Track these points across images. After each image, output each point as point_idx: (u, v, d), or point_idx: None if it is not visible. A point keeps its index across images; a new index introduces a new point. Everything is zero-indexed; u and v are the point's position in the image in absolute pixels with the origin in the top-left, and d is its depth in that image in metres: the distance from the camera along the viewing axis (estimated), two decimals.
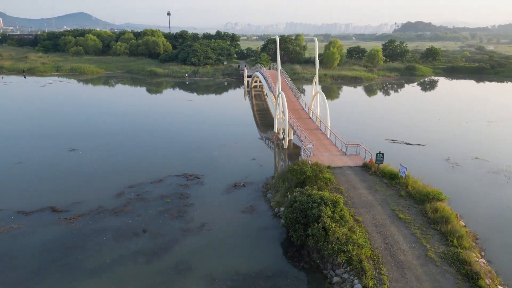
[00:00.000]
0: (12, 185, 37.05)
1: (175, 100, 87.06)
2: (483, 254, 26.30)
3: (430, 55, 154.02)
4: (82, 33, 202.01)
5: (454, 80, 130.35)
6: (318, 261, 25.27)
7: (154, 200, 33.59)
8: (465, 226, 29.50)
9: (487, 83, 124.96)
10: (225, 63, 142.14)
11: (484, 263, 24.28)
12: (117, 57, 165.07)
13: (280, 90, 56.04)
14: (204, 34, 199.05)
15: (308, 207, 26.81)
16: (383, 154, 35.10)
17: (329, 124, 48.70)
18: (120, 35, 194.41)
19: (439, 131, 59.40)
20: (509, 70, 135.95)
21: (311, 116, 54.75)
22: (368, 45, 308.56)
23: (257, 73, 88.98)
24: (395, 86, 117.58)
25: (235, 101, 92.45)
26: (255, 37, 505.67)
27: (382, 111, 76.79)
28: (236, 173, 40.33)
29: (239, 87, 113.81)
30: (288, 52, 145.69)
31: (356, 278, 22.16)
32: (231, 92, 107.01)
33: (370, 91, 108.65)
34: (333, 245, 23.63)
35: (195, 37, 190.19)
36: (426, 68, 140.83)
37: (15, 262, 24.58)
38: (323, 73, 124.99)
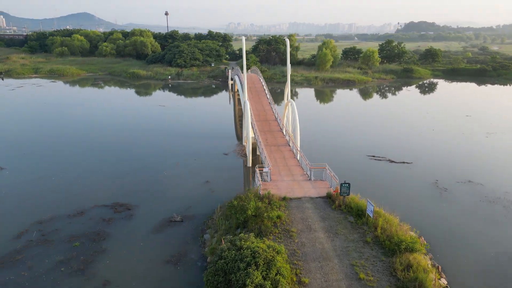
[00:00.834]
0: None
1: (146, 106, 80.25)
2: None
3: (430, 56, 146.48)
4: (70, 33, 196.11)
5: (454, 83, 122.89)
6: None
7: (60, 243, 26.85)
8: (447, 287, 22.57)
9: (489, 86, 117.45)
10: (213, 65, 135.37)
11: None
12: (103, 58, 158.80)
13: (246, 97, 49.19)
14: (196, 34, 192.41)
15: (233, 268, 19.96)
16: (348, 184, 28.15)
17: (298, 140, 41.80)
18: (108, 35, 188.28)
19: (429, 145, 52.28)
20: None
21: (282, 129, 47.84)
22: (367, 46, 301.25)
23: (236, 77, 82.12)
24: (390, 89, 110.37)
25: (217, 106, 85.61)
26: (255, 37, 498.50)
27: (369, 119, 69.72)
28: (178, 202, 33.55)
29: (226, 90, 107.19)
30: (279, 53, 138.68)
31: None
32: (214, 96, 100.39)
33: (361, 95, 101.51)
34: None
35: (186, 37, 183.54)
36: (425, 70, 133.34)
37: None
38: (314, 75, 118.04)
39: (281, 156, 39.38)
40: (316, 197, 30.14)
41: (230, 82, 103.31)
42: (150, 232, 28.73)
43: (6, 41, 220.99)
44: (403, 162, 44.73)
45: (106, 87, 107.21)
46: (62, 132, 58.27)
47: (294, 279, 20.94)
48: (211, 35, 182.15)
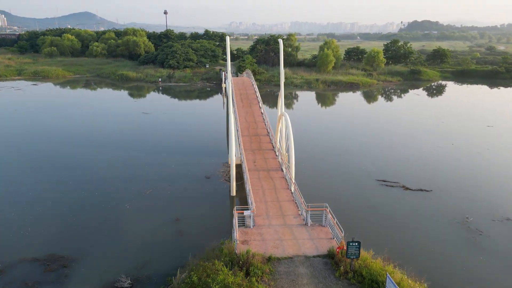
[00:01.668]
0: None
1: (128, 113, 72.16)
2: None
3: (438, 56, 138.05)
4: (62, 33, 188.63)
5: (465, 86, 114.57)
6: None
7: None
8: None
9: (502, 89, 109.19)
10: (207, 66, 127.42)
11: None
12: (93, 58, 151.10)
13: (231, 106, 41.21)
14: (192, 34, 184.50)
15: None
16: (358, 243, 20.20)
17: (293, 164, 33.81)
18: (101, 35, 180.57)
19: (450, 166, 44.17)
20: None
21: (274, 147, 39.86)
22: (371, 45, 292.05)
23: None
24: (397, 93, 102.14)
25: (209, 112, 77.42)
26: (256, 37, 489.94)
27: (376, 129, 61.61)
28: (132, 254, 25.70)
29: (220, 93, 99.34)
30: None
31: None
32: (207, 100, 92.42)
33: (366, 100, 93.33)
34: None
35: (181, 36, 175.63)
36: (433, 72, 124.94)
37: None
38: (315, 77, 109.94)
39: (271, 186, 31.45)
40: (314, 256, 22.14)
41: (223, 85, 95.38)
42: None
43: None
44: (421, 190, 36.72)
45: (89, 91, 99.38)
46: (8, 148, 50.39)
47: None
48: (207, 35, 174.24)
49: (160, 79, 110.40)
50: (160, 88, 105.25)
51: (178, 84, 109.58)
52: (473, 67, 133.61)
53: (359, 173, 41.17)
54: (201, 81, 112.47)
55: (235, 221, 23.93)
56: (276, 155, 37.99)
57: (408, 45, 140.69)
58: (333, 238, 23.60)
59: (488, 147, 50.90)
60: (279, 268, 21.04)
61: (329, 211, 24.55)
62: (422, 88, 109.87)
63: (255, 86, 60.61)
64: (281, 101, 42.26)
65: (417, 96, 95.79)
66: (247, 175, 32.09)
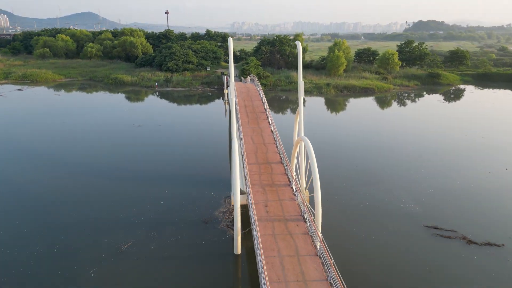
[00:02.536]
0: None
1: (116, 126, 63.05)
2: None
3: (456, 58, 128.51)
4: (57, 33, 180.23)
5: (488, 91, 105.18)
6: None
7: None
8: None
9: None
10: (208, 69, 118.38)
11: None
12: (88, 60, 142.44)
13: (235, 130, 32.09)
14: (192, 34, 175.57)
15: None
16: None
17: (320, 211, 24.76)
18: (97, 35, 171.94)
19: None
20: None
21: (291, 182, 30.71)
22: (378, 46, 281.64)
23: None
24: (417, 100, 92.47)
25: (209, 121, 68.19)
26: (258, 37, 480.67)
27: (406, 148, 52.32)
28: None
29: (222, 99, 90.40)
30: (284, 56, 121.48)
31: None
32: (207, 107, 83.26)
33: (384, 108, 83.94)
34: None
35: (181, 37, 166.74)
36: (453, 76, 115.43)
37: None
38: (326, 82, 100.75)
39: (289, 246, 22.44)
40: None
41: (225, 90, 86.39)
42: None
43: None
44: (489, 244, 27.58)
45: (76, 97, 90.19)
46: None
47: None
48: (209, 35, 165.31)
49: (156, 84, 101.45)
50: (157, 93, 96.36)
51: (176, 89, 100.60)
52: (494, 70, 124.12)
53: (400, 214, 32.07)
54: (201, 85, 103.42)
55: None
56: (294, 195, 28.87)
57: (424, 46, 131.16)
58: None
59: None
60: None
61: None
62: (441, 93, 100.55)
63: (263, 95, 51.48)
64: (298, 121, 33.12)
65: (441, 103, 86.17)
66: (257, 231, 23.07)
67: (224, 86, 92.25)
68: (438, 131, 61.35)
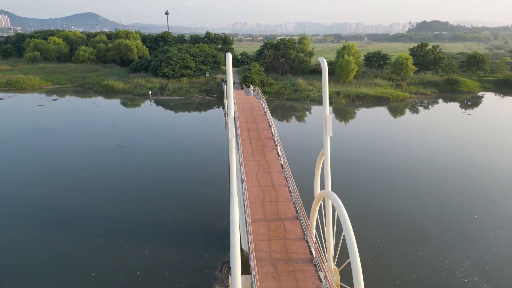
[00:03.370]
0: None
1: (97, 147, 54.09)
2: None
3: (474, 63, 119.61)
4: (51, 34, 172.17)
5: (509, 98, 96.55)
6: None
7: None
8: None
9: None
10: (207, 75, 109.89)
11: None
12: (80, 64, 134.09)
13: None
14: (192, 36, 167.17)
15: None
16: None
17: None
18: (91, 38, 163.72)
19: None
20: None
21: (314, 257, 21.88)
22: (384, 47, 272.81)
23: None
24: (440, 111, 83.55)
25: (207, 138, 59.66)
26: (260, 38, 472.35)
27: (451, 179, 43.69)
28: None
29: (222, 108, 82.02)
30: (289, 60, 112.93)
31: None
32: (205, 119, 74.49)
33: (404, 121, 75.18)
34: None
35: (180, 39, 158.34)
36: (473, 82, 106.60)
37: None
38: (335, 89, 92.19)
39: None
40: None
41: (225, 100, 77.91)
42: None
43: None
44: None
45: (61, 107, 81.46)
46: None
47: None
48: (209, 37, 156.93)
49: (150, 92, 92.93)
50: (150, 102, 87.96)
51: (172, 97, 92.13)
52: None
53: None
54: (199, 93, 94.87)
55: None
56: (320, 281, 20.12)
57: (438, 49, 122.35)
58: None
59: None
60: None
61: None
62: (462, 102, 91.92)
63: (268, 114, 42.90)
64: (323, 168, 23.99)
65: (469, 116, 76.98)
66: None
67: (223, 94, 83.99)
68: (489, 155, 52.29)
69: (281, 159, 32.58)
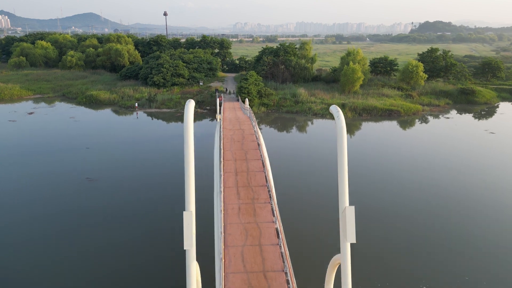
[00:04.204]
0: None
1: (62, 178, 45.92)
2: None
3: (489, 70, 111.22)
4: (40, 37, 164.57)
5: None
6: None
7: None
8: None
9: None
10: (201, 84, 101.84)
11: None
12: (67, 71, 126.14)
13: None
14: (187, 40, 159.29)
15: None
16: None
17: None
18: (81, 41, 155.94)
19: None
20: None
21: None
22: (387, 49, 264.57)
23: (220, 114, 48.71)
24: (462, 127, 75.05)
25: (201, 156, 51.21)
26: (261, 39, 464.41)
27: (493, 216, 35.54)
28: None
29: (216, 120, 73.66)
30: (290, 68, 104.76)
31: None
32: (195, 138, 66.00)
33: (423, 139, 66.78)
34: None
35: (175, 43, 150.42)
36: (489, 92, 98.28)
37: None
38: (340, 101, 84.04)
39: None
40: None
41: (218, 115, 69.53)
42: None
43: None
44: None
45: (34, 123, 72.89)
46: None
47: None
48: (205, 41, 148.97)
49: (136, 104, 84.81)
50: (136, 116, 79.91)
51: (161, 110, 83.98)
52: None
53: None
54: None
55: None
56: None
57: (449, 54, 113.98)
58: None
59: None
60: None
61: None
62: (473, 113, 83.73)
63: (264, 150, 34.68)
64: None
65: (492, 134, 68.44)
66: None
67: (217, 106, 75.78)
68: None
69: (277, 223, 24.27)
